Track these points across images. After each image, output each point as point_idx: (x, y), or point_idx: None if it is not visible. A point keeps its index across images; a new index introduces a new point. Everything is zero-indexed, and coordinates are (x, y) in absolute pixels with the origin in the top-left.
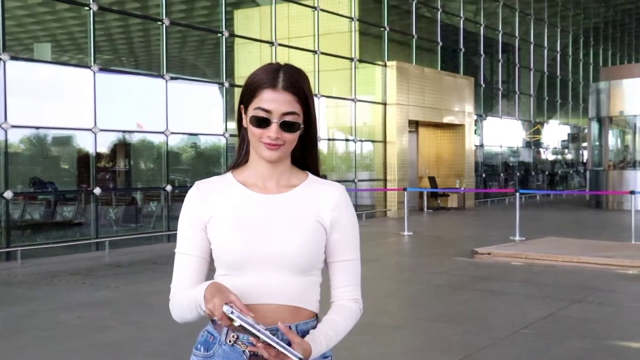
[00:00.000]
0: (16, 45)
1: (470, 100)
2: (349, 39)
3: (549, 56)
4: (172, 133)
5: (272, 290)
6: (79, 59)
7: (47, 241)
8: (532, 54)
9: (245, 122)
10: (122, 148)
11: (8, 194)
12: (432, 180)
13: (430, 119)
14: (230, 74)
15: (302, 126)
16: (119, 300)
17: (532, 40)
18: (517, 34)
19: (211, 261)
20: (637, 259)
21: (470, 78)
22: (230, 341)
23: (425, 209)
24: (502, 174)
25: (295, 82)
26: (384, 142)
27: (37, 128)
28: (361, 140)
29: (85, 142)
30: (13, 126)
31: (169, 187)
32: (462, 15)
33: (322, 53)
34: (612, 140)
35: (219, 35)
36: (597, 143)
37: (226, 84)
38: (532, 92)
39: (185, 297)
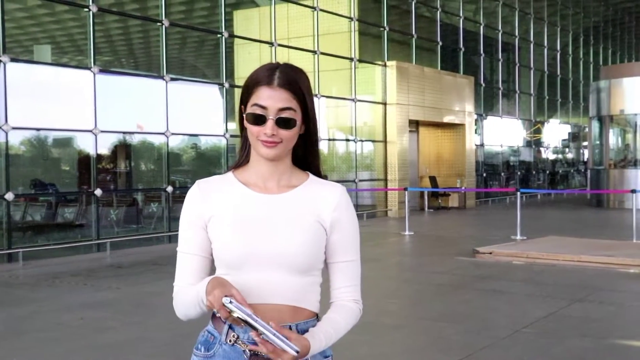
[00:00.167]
0: (16, 47)
1: (470, 100)
2: (349, 39)
3: (549, 55)
4: (173, 134)
5: (271, 290)
6: (79, 61)
7: (49, 242)
8: (532, 53)
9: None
10: (123, 149)
11: (9, 196)
12: (432, 179)
13: (431, 119)
14: (230, 74)
15: (298, 123)
16: (120, 301)
17: (532, 39)
18: (517, 33)
19: (213, 260)
20: (638, 257)
21: (471, 77)
22: (230, 341)
23: (426, 209)
24: (502, 174)
25: (292, 80)
26: (385, 142)
27: (38, 130)
28: (361, 140)
29: (85, 144)
30: (14, 128)
31: (169, 188)
32: (461, 14)
33: (322, 53)
34: (613, 139)
35: (219, 36)
36: (598, 142)
37: (226, 85)
38: (532, 91)
39: (189, 293)
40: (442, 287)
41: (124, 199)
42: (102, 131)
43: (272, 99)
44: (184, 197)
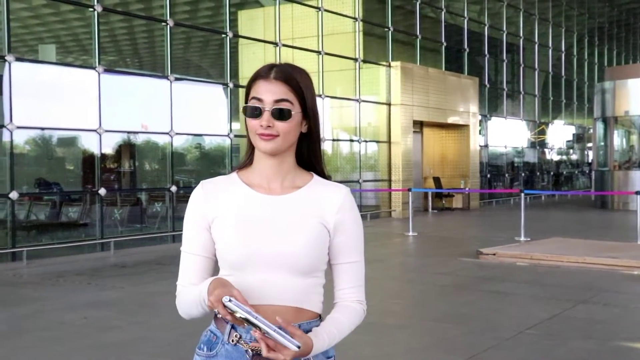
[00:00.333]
0: (21, 46)
1: (474, 101)
2: (353, 40)
3: (553, 56)
4: (177, 134)
5: (274, 291)
6: (84, 60)
7: (53, 242)
8: (536, 53)
9: None
10: (127, 149)
11: (14, 195)
12: (436, 180)
13: (435, 120)
14: (235, 74)
15: (295, 115)
16: (124, 300)
17: (536, 40)
18: (521, 34)
19: (216, 261)
20: None
21: (475, 78)
22: (233, 341)
23: (430, 210)
24: (507, 175)
25: (289, 74)
26: (389, 142)
27: (42, 129)
28: (365, 141)
29: (90, 143)
30: (18, 127)
31: (173, 188)
32: (466, 15)
33: (326, 53)
34: (618, 140)
35: (223, 36)
36: (603, 143)
37: (230, 85)
38: (536, 92)
39: (191, 293)
40: (445, 288)
41: (128, 199)
42: (107, 131)
43: (268, 91)
44: (188, 196)
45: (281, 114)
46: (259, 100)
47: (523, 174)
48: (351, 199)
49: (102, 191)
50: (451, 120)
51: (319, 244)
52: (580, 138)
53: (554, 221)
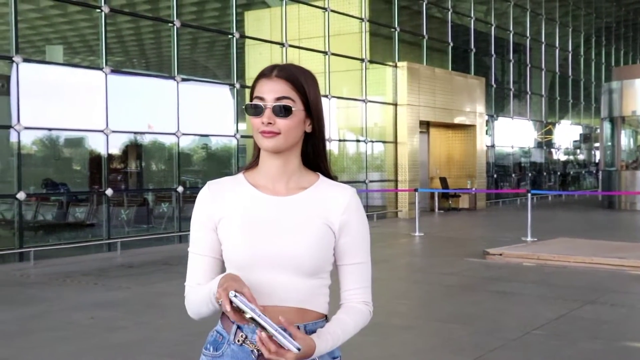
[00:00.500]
0: (28, 47)
1: (481, 101)
2: (360, 40)
3: (560, 56)
4: (183, 134)
5: (279, 292)
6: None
7: (60, 242)
8: (543, 53)
9: None
10: (134, 149)
11: (21, 195)
12: (443, 180)
13: (441, 120)
14: (241, 75)
15: (297, 113)
16: (130, 300)
17: (543, 40)
18: (528, 34)
19: (224, 261)
20: None
21: (482, 78)
22: (238, 341)
23: (436, 210)
24: (513, 175)
25: (292, 73)
26: (395, 142)
27: (50, 130)
28: (372, 141)
29: (97, 144)
30: (26, 128)
31: (180, 188)
32: (472, 15)
33: (333, 54)
34: (625, 140)
35: (230, 36)
36: (610, 143)
37: (237, 85)
38: (543, 92)
39: (201, 290)
40: (452, 288)
41: (134, 199)
42: (114, 131)
43: (270, 89)
44: (195, 197)
45: (282, 111)
46: (261, 98)
47: (530, 174)
48: (357, 199)
49: (109, 191)
50: (458, 120)
51: (324, 245)
52: (587, 138)
53: (560, 221)
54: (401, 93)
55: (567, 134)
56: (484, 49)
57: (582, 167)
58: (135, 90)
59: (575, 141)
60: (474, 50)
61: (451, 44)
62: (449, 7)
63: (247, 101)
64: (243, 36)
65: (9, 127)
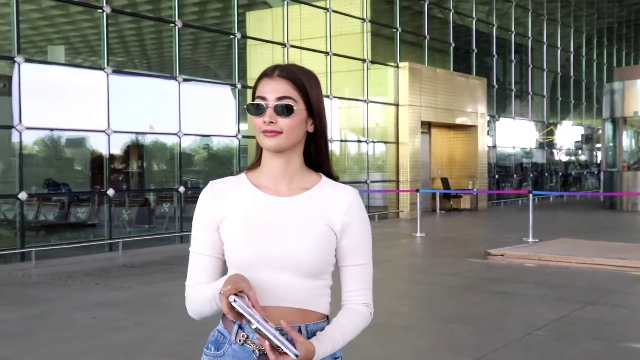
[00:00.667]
0: (30, 47)
1: (482, 101)
2: (361, 40)
3: (562, 56)
4: (185, 134)
5: (280, 293)
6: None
7: (61, 242)
8: (545, 54)
9: None
10: (135, 149)
11: (22, 195)
12: (444, 181)
13: (443, 120)
14: (243, 75)
15: (299, 112)
16: (132, 300)
17: (545, 40)
18: (530, 35)
19: (225, 260)
20: None
21: (483, 79)
22: (240, 341)
23: (437, 210)
24: (515, 175)
25: (293, 73)
26: (397, 143)
27: (51, 130)
28: (373, 142)
29: (98, 144)
30: (27, 128)
31: (181, 189)
32: (474, 15)
33: (334, 54)
34: (627, 141)
35: (232, 36)
36: (611, 144)
37: (238, 86)
38: (545, 93)
39: (205, 290)
40: (453, 288)
41: (136, 199)
42: (115, 131)
43: (271, 89)
44: (196, 197)
45: (283, 110)
46: (263, 98)
47: (531, 175)
48: (359, 200)
49: (111, 192)
50: (459, 120)
51: (325, 246)
52: (588, 139)
53: (562, 222)
54: (403, 93)
55: (568, 134)
56: (485, 50)
57: (584, 168)
58: (136, 91)
59: (576, 142)
60: (475, 50)
61: (453, 45)
62: (451, 7)
63: (249, 101)
64: (245, 36)
65: (11, 127)
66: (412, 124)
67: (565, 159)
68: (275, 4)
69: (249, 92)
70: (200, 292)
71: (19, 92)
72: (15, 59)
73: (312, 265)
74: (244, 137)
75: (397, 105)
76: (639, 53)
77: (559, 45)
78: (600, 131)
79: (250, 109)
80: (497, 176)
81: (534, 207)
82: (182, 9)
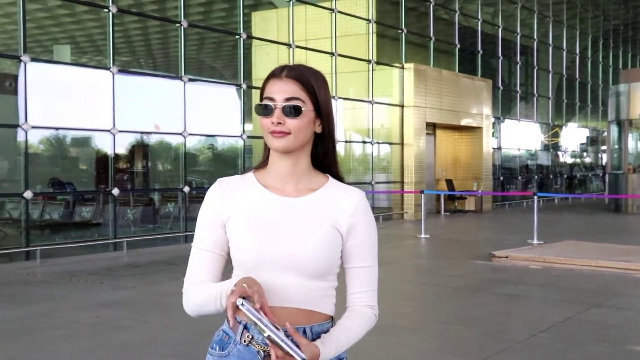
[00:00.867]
0: (36, 47)
1: (488, 103)
2: (367, 41)
3: (567, 58)
4: (190, 134)
5: (285, 294)
6: (98, 61)
7: (66, 241)
8: (550, 56)
9: None
10: (140, 149)
11: (28, 194)
12: (449, 182)
13: (448, 122)
14: (248, 75)
15: (307, 113)
16: (136, 300)
17: (550, 42)
18: (535, 36)
19: (229, 260)
20: None
21: (488, 80)
22: (245, 341)
23: (442, 212)
24: (520, 177)
25: (301, 73)
26: (402, 144)
27: (57, 129)
28: (378, 143)
29: (103, 143)
30: (33, 127)
31: (186, 188)
32: (480, 17)
33: (340, 55)
34: (632, 143)
35: (237, 37)
36: (617, 146)
37: (244, 86)
38: (550, 95)
39: (210, 289)
40: (458, 290)
41: (141, 199)
42: (120, 131)
43: (279, 90)
44: (201, 197)
45: (292, 111)
46: (271, 99)
47: (536, 177)
48: (365, 202)
49: (115, 191)
50: (464, 122)
51: (331, 247)
52: (594, 141)
53: (567, 224)
54: (408, 94)
55: (573, 136)
56: (491, 51)
57: (589, 170)
58: (142, 90)
59: (582, 144)
60: (481, 52)
61: (458, 46)
62: (456, 8)
63: (256, 101)
64: (250, 37)
65: (17, 126)
66: (417, 125)
67: (570, 161)
68: (281, 4)
69: (254, 92)
70: (204, 291)
71: (25, 91)
72: (21, 58)
73: (317, 266)
74: (249, 137)
75: (402, 106)
76: None
77: (564, 47)
78: (605, 133)
79: (258, 109)
80: (501, 178)
81: (539, 209)
82: (187, 9)
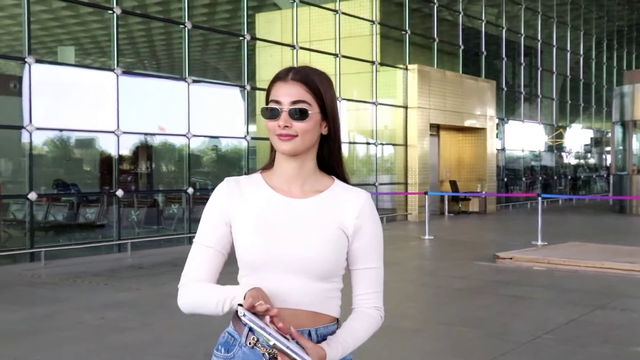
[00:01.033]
0: (41, 48)
1: (492, 104)
2: (370, 42)
3: (571, 59)
4: (194, 136)
5: (290, 295)
6: (102, 62)
7: (70, 242)
8: (554, 57)
9: None
10: (144, 150)
11: (32, 196)
12: (453, 184)
13: (452, 123)
14: (252, 77)
15: (314, 116)
16: (140, 301)
17: (554, 43)
18: (539, 37)
19: (229, 260)
20: None
21: (492, 81)
22: (250, 343)
23: (446, 213)
24: (524, 178)
25: (307, 76)
26: (405, 145)
27: (61, 130)
28: (382, 144)
29: (107, 145)
30: (37, 128)
31: (190, 190)
32: (483, 18)
33: (344, 56)
34: (636, 144)
35: (241, 38)
36: (621, 147)
37: (247, 87)
38: (554, 96)
39: (212, 291)
40: (462, 291)
41: (144, 200)
42: (124, 132)
43: (286, 93)
44: (205, 198)
45: (298, 114)
46: (277, 102)
47: (540, 178)
48: (371, 204)
49: (120, 192)
50: (468, 123)
51: (337, 249)
52: (598, 142)
53: (571, 225)
54: (411, 96)
55: (578, 137)
56: (494, 52)
57: (593, 171)
58: (146, 92)
59: (586, 145)
60: (484, 53)
61: (462, 47)
62: (460, 9)
63: (260, 103)
64: (254, 38)
65: (21, 127)
66: (420, 126)
67: (574, 162)
68: (285, 5)
69: (258, 93)
70: (204, 292)
71: (30, 93)
72: (25, 59)
73: (323, 268)
74: (252, 138)
75: (406, 107)
76: None
77: (568, 48)
78: (609, 134)
79: (264, 112)
80: (505, 179)
81: (543, 210)
82: (191, 10)
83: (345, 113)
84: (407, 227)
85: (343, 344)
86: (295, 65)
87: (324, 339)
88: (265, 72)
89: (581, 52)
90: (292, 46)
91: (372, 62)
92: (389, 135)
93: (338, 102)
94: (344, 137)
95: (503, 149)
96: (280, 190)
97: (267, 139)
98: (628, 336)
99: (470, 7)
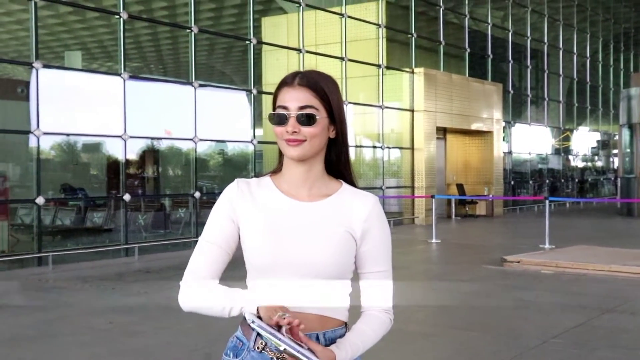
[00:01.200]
0: (48, 53)
1: (498, 107)
2: (377, 46)
3: (578, 62)
4: (201, 140)
5: (298, 299)
6: (109, 67)
7: (78, 247)
8: (561, 59)
9: None
10: (151, 155)
11: (40, 200)
12: (460, 187)
13: (458, 126)
14: (258, 81)
15: (321, 121)
16: (148, 306)
17: (561, 46)
18: (545, 40)
19: (235, 264)
20: None
21: (499, 84)
22: (258, 348)
23: (453, 217)
24: (531, 181)
25: (314, 80)
26: (412, 149)
27: (68, 135)
28: (389, 147)
29: (115, 149)
30: (45, 133)
31: (197, 194)
32: (489, 21)
33: (350, 60)
34: None
35: (247, 42)
36: (628, 150)
37: (254, 91)
38: (561, 99)
39: (218, 293)
40: (470, 295)
41: (152, 204)
42: (131, 137)
43: (293, 98)
44: (211, 202)
45: (306, 119)
46: (284, 107)
47: (547, 181)
48: (379, 207)
49: (127, 197)
50: (475, 126)
51: (344, 252)
52: (605, 145)
53: (579, 229)
54: (418, 99)
55: (584, 140)
56: (501, 55)
57: (600, 174)
58: (152, 96)
59: (593, 148)
60: (491, 56)
61: (468, 50)
62: (466, 13)
63: (265, 107)
64: (260, 42)
65: (29, 132)
66: (427, 129)
67: (581, 165)
68: (291, 9)
69: (265, 97)
70: (210, 294)
71: (37, 98)
72: (33, 64)
73: (332, 271)
74: (259, 142)
75: (412, 111)
76: None
77: (575, 51)
78: (616, 137)
79: (272, 118)
80: (512, 182)
81: (550, 213)
82: (198, 14)
83: (352, 117)
84: (414, 231)
85: (353, 346)
86: (301, 70)
87: (332, 342)
88: (271, 76)
89: (588, 55)
90: (299, 50)
91: (379, 66)
92: (395, 139)
93: (345, 106)
94: (350, 140)
95: (510, 152)
96: (288, 194)
97: (274, 142)
98: (637, 340)
99: (476, 10)
